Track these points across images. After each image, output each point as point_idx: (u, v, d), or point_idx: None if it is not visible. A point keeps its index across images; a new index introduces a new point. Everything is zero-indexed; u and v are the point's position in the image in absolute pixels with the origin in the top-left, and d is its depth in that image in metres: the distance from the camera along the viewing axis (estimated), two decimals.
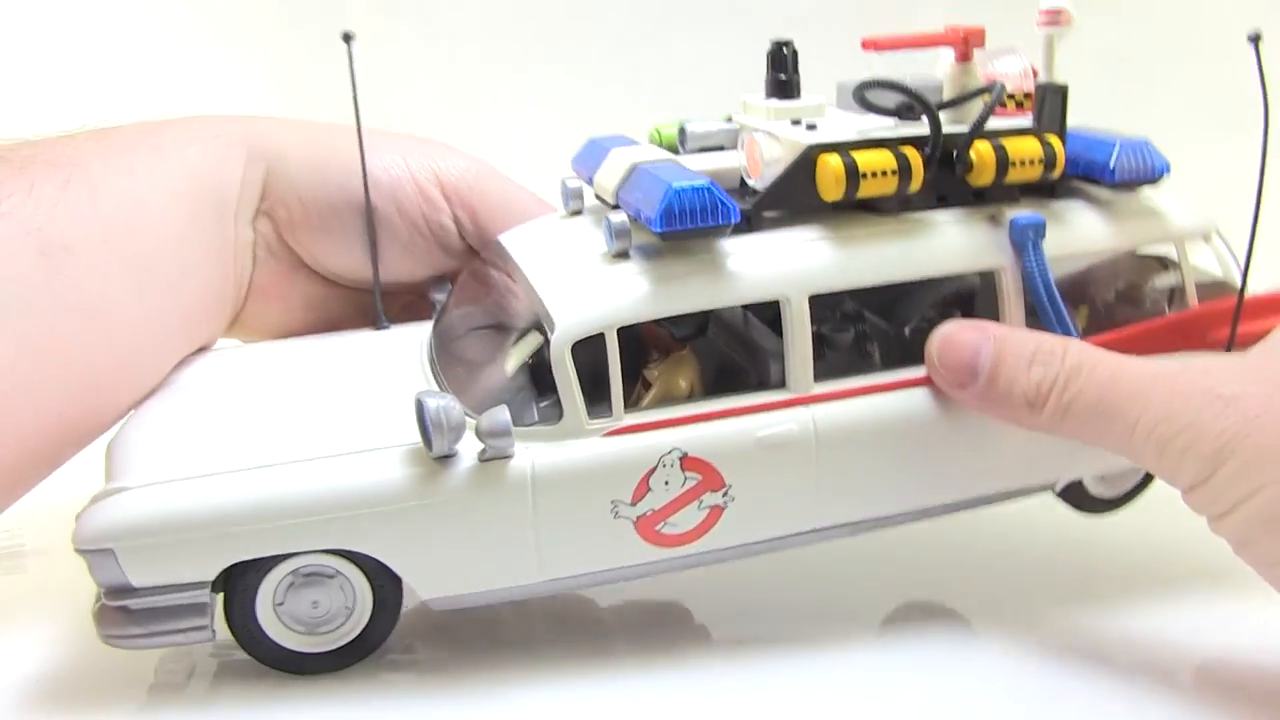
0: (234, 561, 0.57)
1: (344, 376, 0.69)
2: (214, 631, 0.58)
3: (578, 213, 0.72)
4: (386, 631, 0.62)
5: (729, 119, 0.73)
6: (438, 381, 0.66)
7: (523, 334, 0.66)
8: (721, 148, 0.71)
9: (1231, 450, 0.53)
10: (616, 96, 1.00)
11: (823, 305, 0.66)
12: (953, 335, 0.63)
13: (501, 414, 0.57)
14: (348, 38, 0.69)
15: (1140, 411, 0.56)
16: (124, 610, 0.57)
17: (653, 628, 0.68)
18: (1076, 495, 0.70)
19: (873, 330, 0.70)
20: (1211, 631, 0.65)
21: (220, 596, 0.59)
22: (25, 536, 0.77)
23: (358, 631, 0.61)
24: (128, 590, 0.57)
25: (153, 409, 0.67)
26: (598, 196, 0.69)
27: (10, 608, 0.69)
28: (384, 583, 0.60)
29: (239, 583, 0.59)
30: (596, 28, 1.25)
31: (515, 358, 0.64)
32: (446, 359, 0.68)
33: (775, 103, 0.69)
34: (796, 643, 0.64)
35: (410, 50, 1.22)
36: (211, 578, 0.57)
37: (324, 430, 0.62)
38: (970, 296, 0.69)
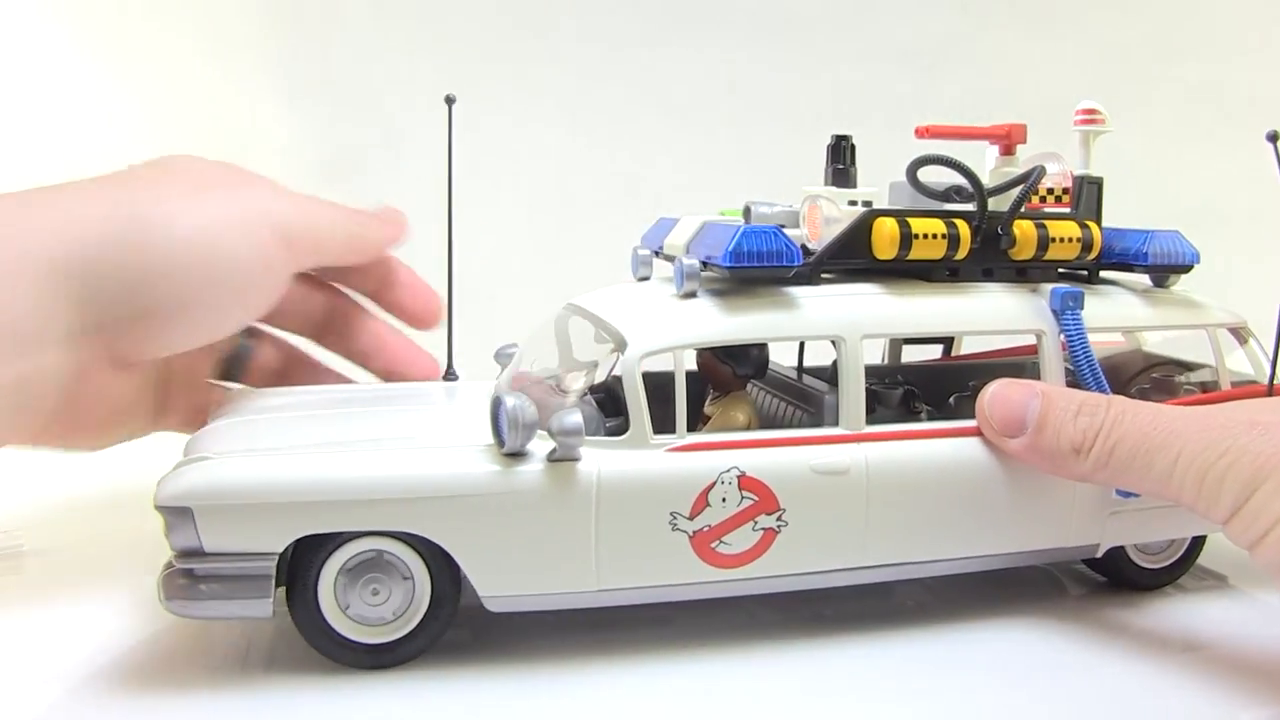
0: (306, 534, 0.59)
1: (420, 401, 0.73)
2: (274, 610, 0.59)
3: (645, 279, 0.77)
4: (439, 632, 0.63)
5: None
6: None
7: (591, 365, 0.70)
8: (782, 226, 0.77)
9: (1268, 472, 0.56)
10: (684, 183, 1.08)
11: (875, 372, 0.70)
12: (1002, 390, 0.66)
13: (574, 414, 0.60)
14: (450, 100, 0.76)
15: (1181, 445, 0.59)
16: (190, 576, 0.59)
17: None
18: (1118, 567, 0.72)
19: (919, 390, 0.73)
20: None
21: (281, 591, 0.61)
22: (25, 537, 0.78)
23: (413, 625, 0.62)
24: (198, 553, 0.59)
25: (231, 420, 0.70)
26: (667, 256, 0.75)
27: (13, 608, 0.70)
28: (443, 579, 0.62)
29: (303, 567, 0.60)
30: (669, 119, 1.35)
31: (584, 380, 0.68)
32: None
33: (834, 190, 0.75)
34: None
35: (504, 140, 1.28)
36: (280, 549, 0.59)
37: (399, 428, 0.65)
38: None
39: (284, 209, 0.71)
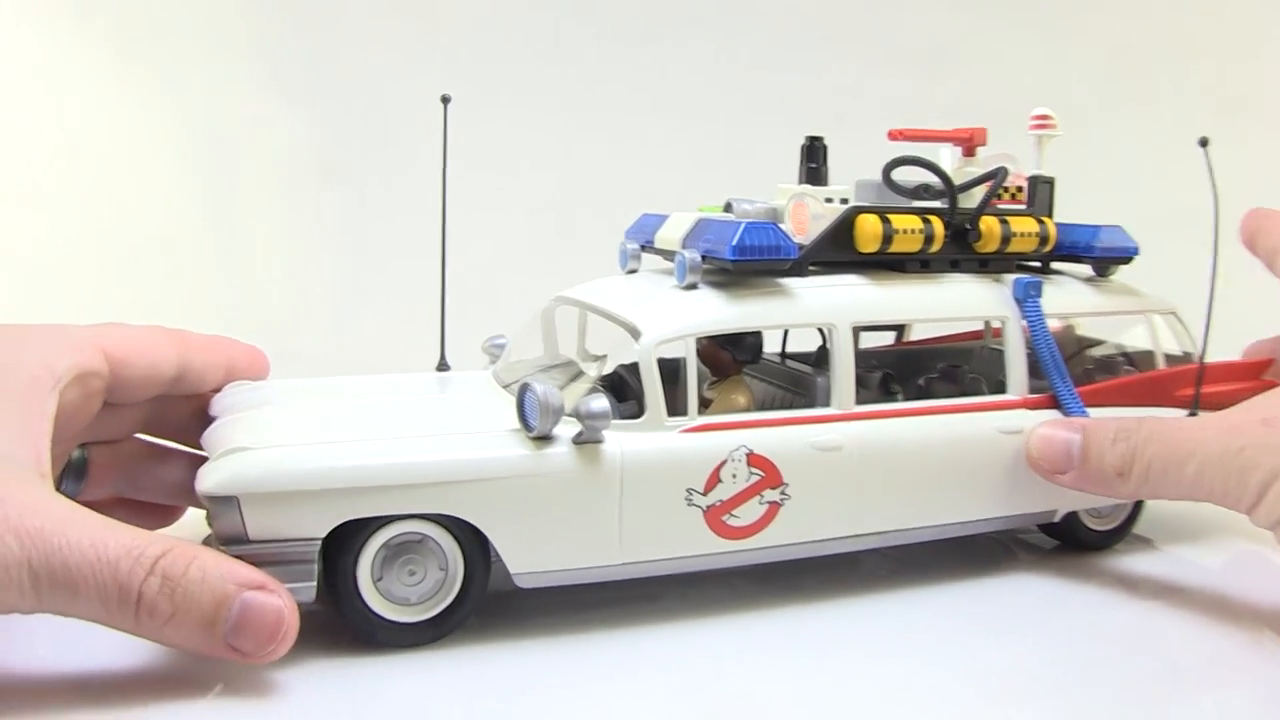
0: (349, 518, 0.61)
1: (426, 390, 0.76)
2: (316, 592, 0.62)
3: (634, 271, 0.81)
4: (470, 610, 0.66)
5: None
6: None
7: (598, 357, 0.74)
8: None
9: None
10: (661, 182, 1.11)
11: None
12: (1044, 432, 0.74)
13: (600, 399, 0.64)
14: (445, 100, 0.79)
15: (1205, 451, 0.67)
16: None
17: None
18: (1072, 530, 0.80)
19: (897, 375, 0.79)
20: None
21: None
22: None
23: (447, 603, 0.65)
24: (242, 540, 0.61)
25: (242, 412, 0.71)
26: (658, 251, 0.79)
27: None
28: (475, 559, 0.65)
29: (342, 551, 0.63)
30: (647, 118, 1.39)
31: (596, 369, 0.72)
32: (519, 382, 0.75)
33: (808, 188, 0.81)
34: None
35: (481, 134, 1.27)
36: (323, 534, 0.61)
37: (426, 418, 0.68)
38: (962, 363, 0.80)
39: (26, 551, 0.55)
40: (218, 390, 0.76)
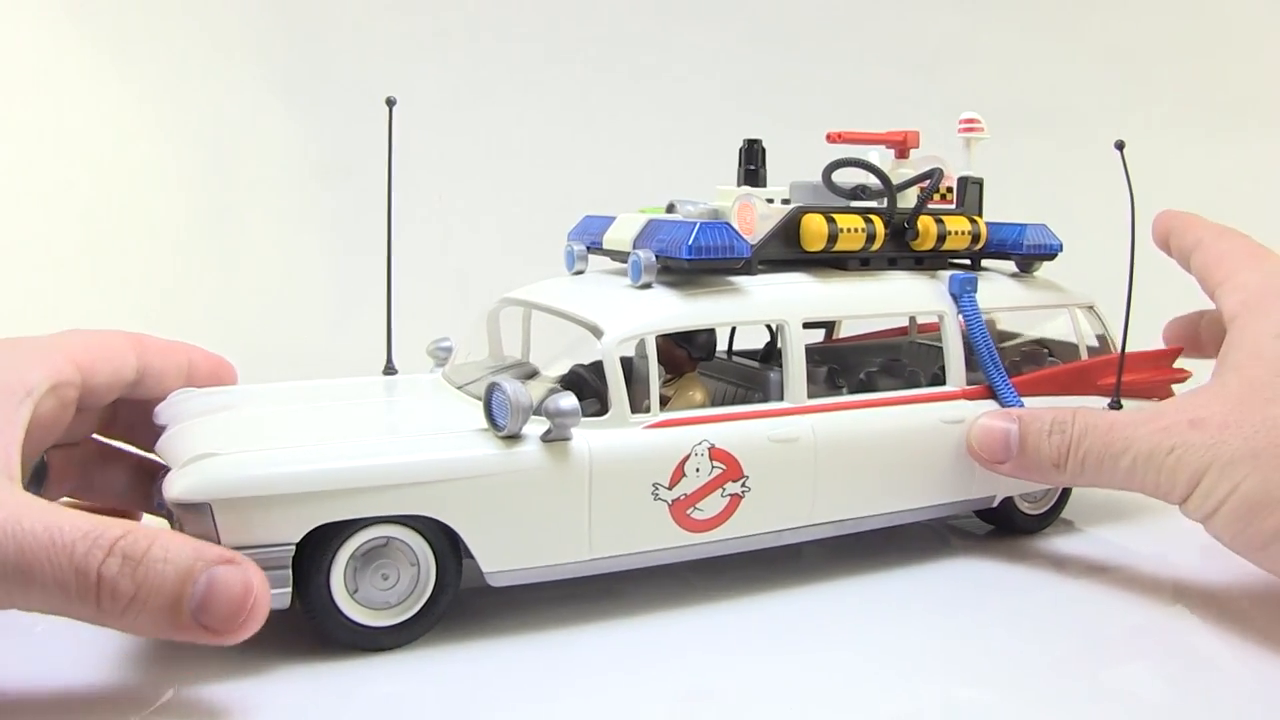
0: (322, 522, 0.61)
1: (380, 393, 0.76)
2: (291, 599, 0.61)
3: (580, 272, 0.82)
4: (444, 610, 0.66)
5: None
6: (477, 397, 0.73)
7: (555, 357, 0.75)
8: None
9: (1208, 462, 0.68)
10: (598, 185, 1.12)
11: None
12: (984, 423, 0.77)
13: (569, 397, 0.65)
14: (390, 102, 0.79)
15: (1138, 449, 0.71)
16: None
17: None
18: (1008, 515, 0.84)
19: (840, 369, 0.82)
20: None
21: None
22: None
23: (419, 606, 0.65)
24: None
25: (196, 416, 0.70)
26: (606, 252, 0.80)
27: None
28: (447, 560, 0.65)
29: (314, 557, 0.62)
30: (585, 124, 1.40)
31: (555, 368, 0.73)
32: (474, 383, 0.76)
33: (747, 189, 0.83)
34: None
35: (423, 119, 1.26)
36: (297, 539, 0.61)
37: (393, 419, 0.68)
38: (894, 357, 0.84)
39: None
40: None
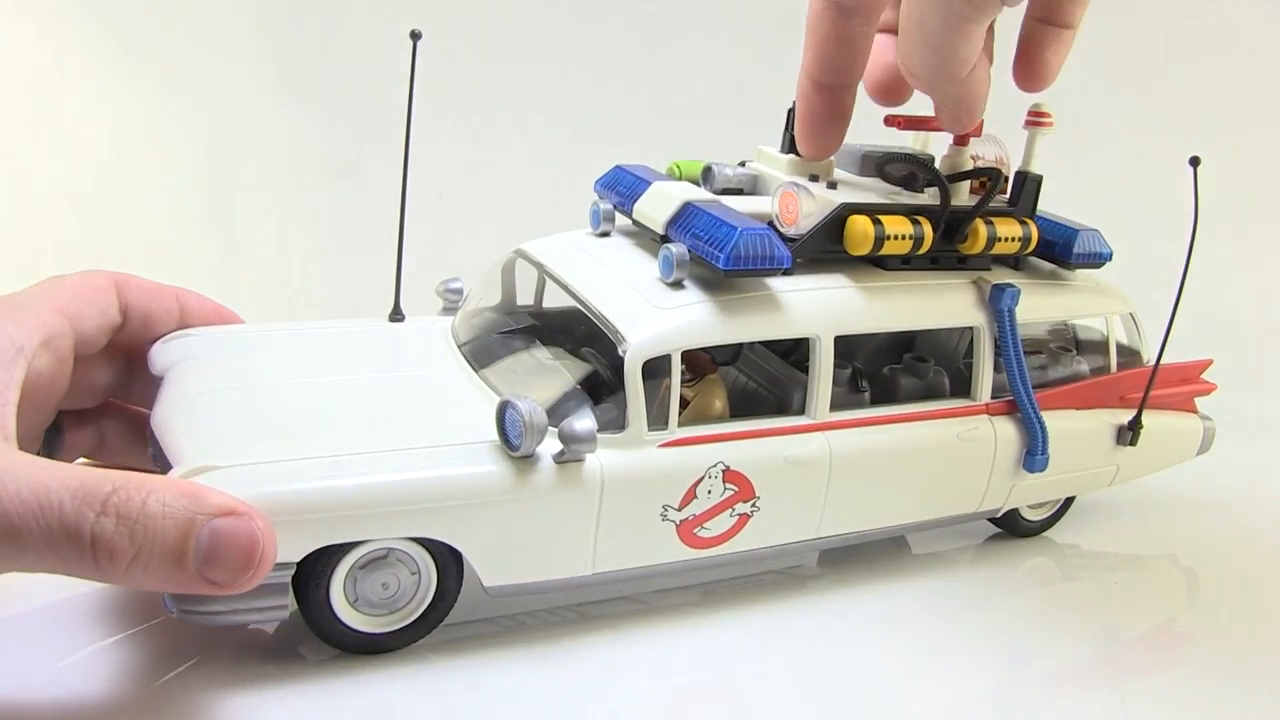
0: (324, 544, 0.60)
1: (386, 358, 0.73)
2: (288, 610, 0.60)
3: (606, 234, 0.78)
4: (445, 613, 0.65)
5: (743, 164, 0.81)
6: (489, 384, 0.70)
7: (576, 348, 0.72)
8: (741, 190, 0.79)
9: None
10: (634, 126, 1.06)
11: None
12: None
13: (586, 420, 0.63)
14: (415, 35, 0.72)
15: None
16: None
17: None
18: (1012, 521, 0.84)
19: (862, 370, 0.79)
20: None
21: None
22: None
23: (420, 611, 0.64)
24: None
25: (190, 387, 0.67)
26: (637, 223, 0.75)
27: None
28: (449, 568, 0.64)
29: (315, 568, 0.61)
30: (621, 60, 1.32)
31: (575, 372, 0.69)
32: (486, 360, 0.72)
33: (792, 157, 0.77)
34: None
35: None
36: (298, 559, 0.59)
37: (397, 422, 0.65)
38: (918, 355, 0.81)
39: None
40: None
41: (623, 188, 0.78)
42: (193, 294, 0.75)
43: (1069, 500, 0.85)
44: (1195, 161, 0.74)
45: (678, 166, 0.81)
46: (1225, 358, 0.90)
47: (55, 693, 0.59)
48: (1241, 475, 0.96)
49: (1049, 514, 0.85)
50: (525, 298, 0.81)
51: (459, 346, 0.75)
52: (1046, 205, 0.80)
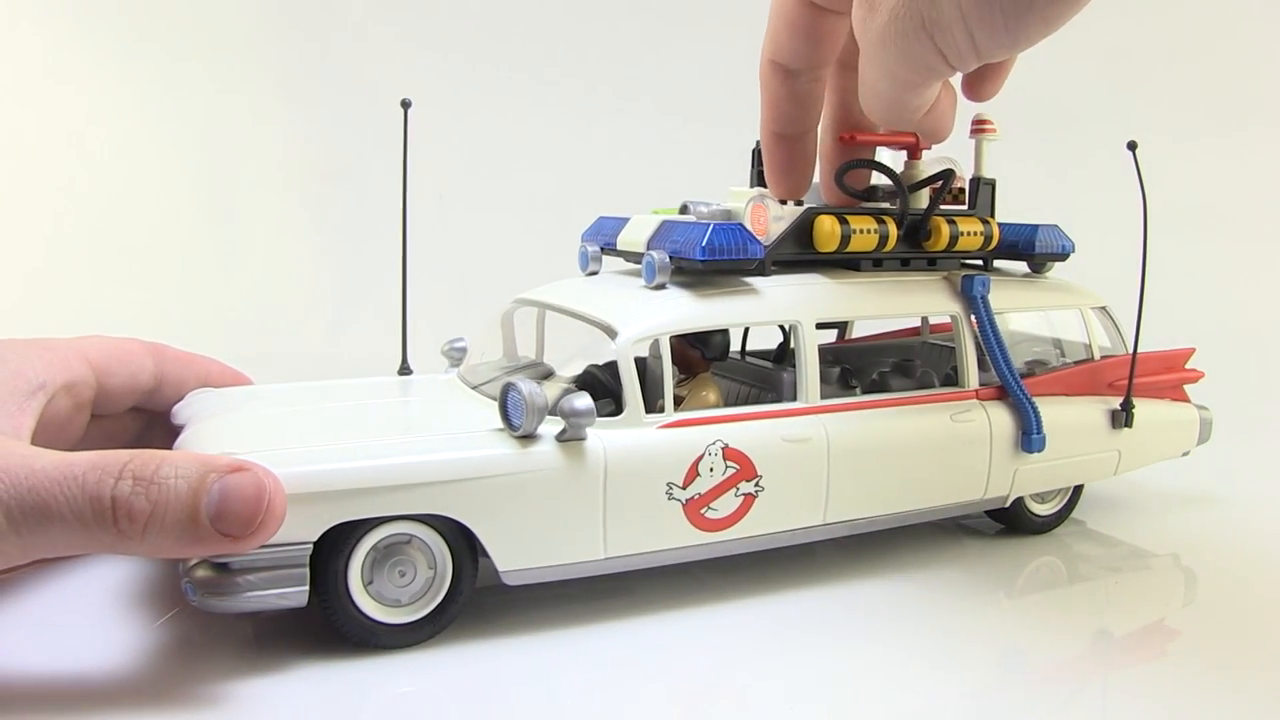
0: (340, 521, 0.61)
1: (397, 394, 0.76)
2: (307, 596, 0.61)
3: (595, 273, 0.83)
4: (458, 610, 0.66)
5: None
6: (491, 397, 0.73)
7: (570, 358, 0.76)
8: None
9: None
10: (611, 186, 1.12)
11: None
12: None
13: (584, 397, 0.66)
14: (405, 104, 0.80)
15: None
16: (226, 571, 0.60)
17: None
18: (1020, 517, 0.84)
19: (853, 370, 0.82)
20: None
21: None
22: None
23: (435, 605, 0.65)
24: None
25: (213, 418, 0.71)
26: (621, 253, 0.81)
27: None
28: (463, 559, 0.65)
29: (331, 556, 0.62)
30: (598, 125, 1.40)
31: (569, 369, 0.73)
32: (489, 383, 0.76)
33: (760, 190, 0.83)
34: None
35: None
36: (315, 538, 0.61)
37: (410, 419, 0.68)
38: (907, 357, 0.84)
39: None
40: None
41: (606, 230, 0.84)
42: (218, 363, 0.80)
43: (1075, 497, 0.86)
44: (1133, 146, 0.80)
45: (655, 213, 0.87)
46: (1229, 359, 0.92)
47: (68, 677, 0.60)
48: (1241, 475, 0.96)
49: (1056, 508, 0.85)
50: (525, 350, 0.85)
51: (468, 387, 0.79)
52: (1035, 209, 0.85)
